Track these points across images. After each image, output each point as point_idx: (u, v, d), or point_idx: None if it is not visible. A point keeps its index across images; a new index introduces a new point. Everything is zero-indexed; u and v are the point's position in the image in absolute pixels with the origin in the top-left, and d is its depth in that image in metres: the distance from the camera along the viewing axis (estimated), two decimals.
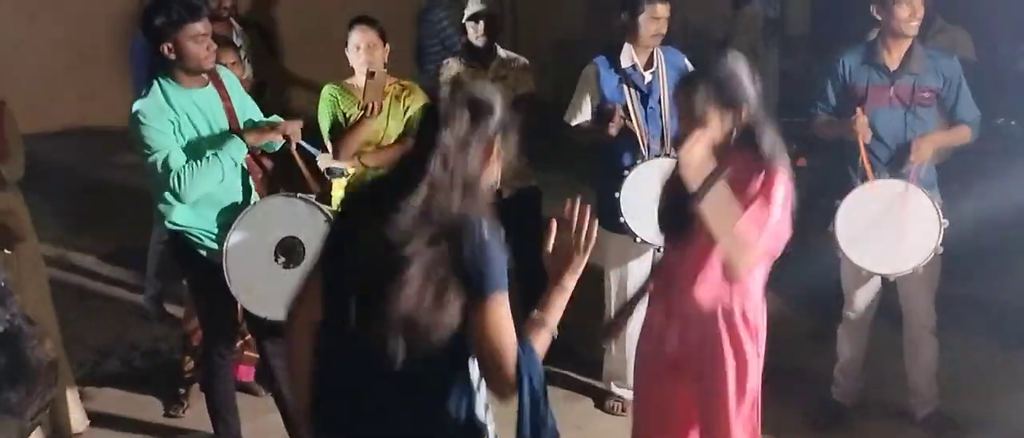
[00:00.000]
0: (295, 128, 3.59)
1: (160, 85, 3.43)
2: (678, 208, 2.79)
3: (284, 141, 3.58)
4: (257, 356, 4.30)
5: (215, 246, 3.50)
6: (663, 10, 4.05)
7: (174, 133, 3.39)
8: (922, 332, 4.02)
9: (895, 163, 3.84)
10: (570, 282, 2.23)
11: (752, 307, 2.86)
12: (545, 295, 2.23)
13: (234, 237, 3.41)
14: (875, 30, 4.53)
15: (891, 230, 3.69)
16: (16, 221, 3.88)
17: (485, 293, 2.09)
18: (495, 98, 2.24)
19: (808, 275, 5.09)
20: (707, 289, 2.81)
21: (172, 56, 3.38)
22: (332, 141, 4.02)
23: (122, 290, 5.75)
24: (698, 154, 2.67)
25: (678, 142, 2.87)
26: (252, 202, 3.57)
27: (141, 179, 3.56)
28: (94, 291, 5.77)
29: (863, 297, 4.05)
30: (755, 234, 2.65)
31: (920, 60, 3.86)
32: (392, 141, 4.04)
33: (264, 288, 3.39)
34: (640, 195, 3.76)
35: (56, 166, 7.87)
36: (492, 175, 2.24)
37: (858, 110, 3.80)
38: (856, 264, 3.76)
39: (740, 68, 2.74)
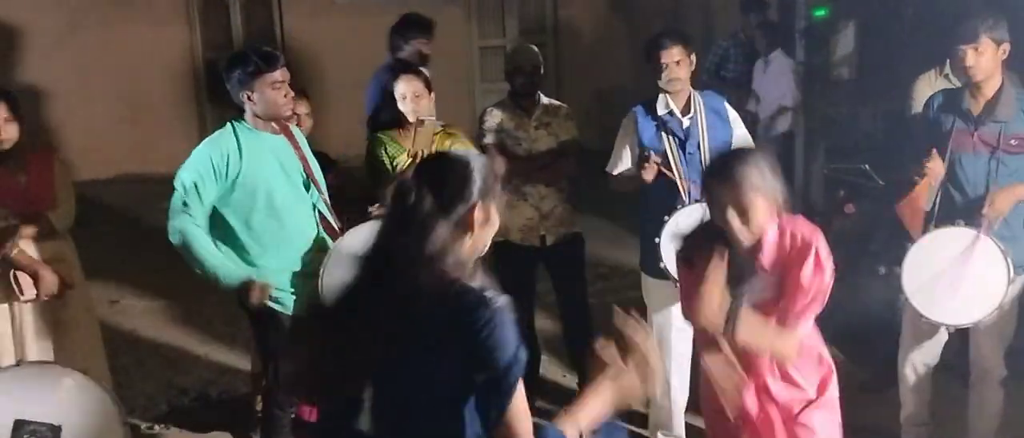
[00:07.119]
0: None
1: (233, 127, 3.54)
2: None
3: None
4: None
5: (284, 303, 3.57)
6: (676, 53, 3.99)
7: (217, 176, 3.47)
8: (989, 383, 3.88)
9: (974, 211, 3.65)
10: (606, 389, 2.08)
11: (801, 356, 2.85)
12: (581, 391, 2.12)
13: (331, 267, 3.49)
14: (931, 73, 4.48)
15: (958, 280, 3.55)
16: (67, 268, 3.97)
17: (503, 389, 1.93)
18: (470, 162, 2.06)
19: (860, 323, 5.01)
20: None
21: (253, 104, 3.48)
22: (379, 187, 4.06)
23: (171, 335, 5.81)
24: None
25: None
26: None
27: None
28: (144, 336, 5.83)
29: (928, 348, 3.92)
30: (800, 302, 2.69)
31: (1009, 105, 3.63)
32: None
33: None
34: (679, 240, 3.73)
35: (108, 212, 8.03)
36: (479, 244, 2.06)
37: (933, 151, 3.69)
38: (921, 313, 3.63)
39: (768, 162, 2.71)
